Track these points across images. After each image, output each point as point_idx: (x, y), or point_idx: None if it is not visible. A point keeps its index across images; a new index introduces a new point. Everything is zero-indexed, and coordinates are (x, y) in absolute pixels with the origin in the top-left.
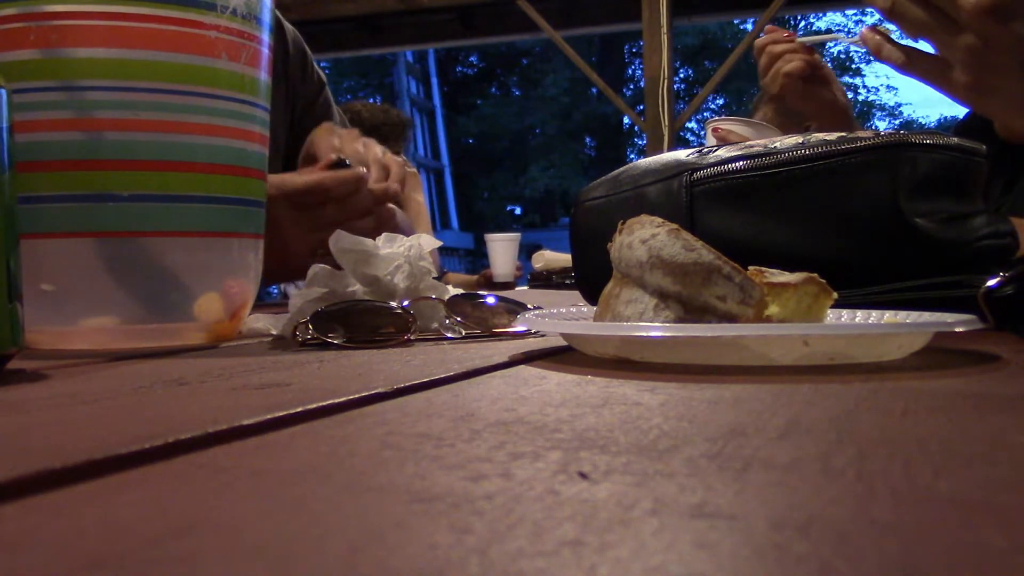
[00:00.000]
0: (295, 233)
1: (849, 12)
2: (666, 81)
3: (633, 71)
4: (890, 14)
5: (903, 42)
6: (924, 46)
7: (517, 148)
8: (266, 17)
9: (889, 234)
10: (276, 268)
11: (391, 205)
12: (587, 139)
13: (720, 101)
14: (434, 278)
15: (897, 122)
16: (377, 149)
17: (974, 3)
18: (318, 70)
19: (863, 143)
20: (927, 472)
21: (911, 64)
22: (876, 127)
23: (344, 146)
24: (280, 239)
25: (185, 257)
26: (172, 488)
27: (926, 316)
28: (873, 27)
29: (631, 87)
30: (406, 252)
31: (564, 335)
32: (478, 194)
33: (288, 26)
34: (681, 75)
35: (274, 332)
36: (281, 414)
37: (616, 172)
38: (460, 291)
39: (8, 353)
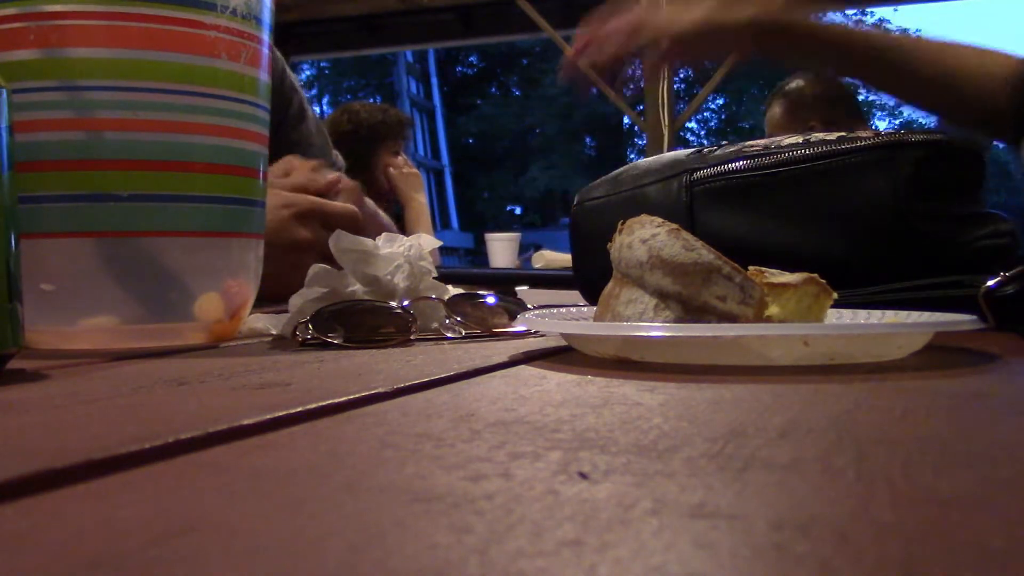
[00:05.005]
0: (313, 254)
1: (849, 12)
2: (666, 81)
3: (633, 71)
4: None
5: None
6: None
7: (517, 148)
8: (266, 17)
9: (889, 234)
10: (278, 284)
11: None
12: (587, 139)
13: (720, 101)
14: (434, 278)
15: (897, 122)
16: (331, 175)
17: None
18: (291, 76)
19: (863, 143)
20: (927, 472)
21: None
22: (876, 127)
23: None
24: (300, 260)
25: (185, 257)
26: (172, 488)
27: (926, 316)
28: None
29: (631, 87)
30: (406, 252)
31: (564, 335)
32: (478, 194)
33: None
34: (681, 75)
35: (274, 332)
36: (281, 414)
37: (616, 172)
38: (460, 291)
39: (8, 353)
